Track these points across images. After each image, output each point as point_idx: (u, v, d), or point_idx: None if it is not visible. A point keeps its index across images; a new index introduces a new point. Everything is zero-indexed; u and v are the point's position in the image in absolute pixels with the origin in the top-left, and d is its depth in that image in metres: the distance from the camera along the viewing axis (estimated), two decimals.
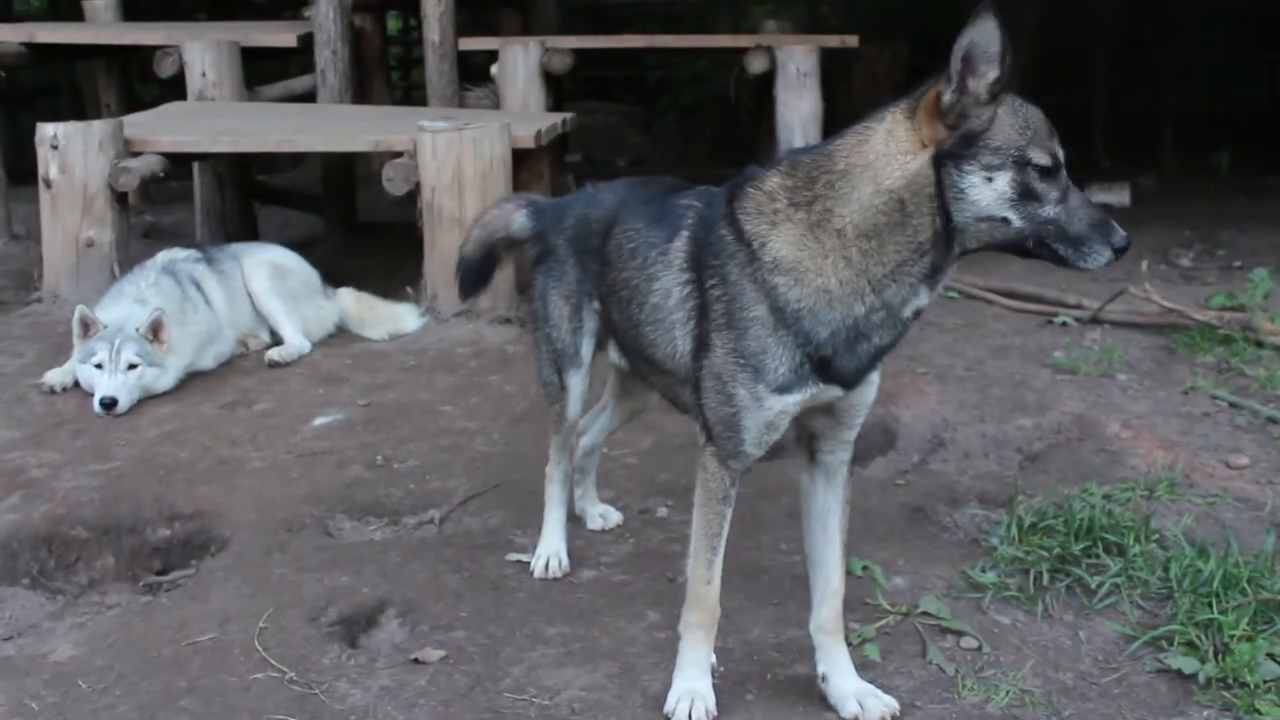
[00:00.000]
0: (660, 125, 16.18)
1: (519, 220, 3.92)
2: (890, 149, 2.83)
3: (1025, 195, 2.77)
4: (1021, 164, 2.75)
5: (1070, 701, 3.21)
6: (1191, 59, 13.88)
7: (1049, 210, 2.78)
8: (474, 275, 4.07)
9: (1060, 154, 2.81)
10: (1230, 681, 3.22)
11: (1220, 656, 3.29)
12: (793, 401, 2.97)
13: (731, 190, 3.06)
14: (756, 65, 8.74)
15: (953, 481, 4.60)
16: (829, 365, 2.94)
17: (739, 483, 3.12)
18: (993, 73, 2.71)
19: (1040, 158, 2.76)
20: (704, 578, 3.16)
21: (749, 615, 3.62)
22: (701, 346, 3.06)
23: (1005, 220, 2.79)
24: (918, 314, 2.95)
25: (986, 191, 2.76)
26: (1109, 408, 5.24)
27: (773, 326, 2.93)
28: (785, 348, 2.93)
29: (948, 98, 2.74)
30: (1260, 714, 3.07)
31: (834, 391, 2.99)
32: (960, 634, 3.51)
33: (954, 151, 2.76)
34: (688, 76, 15.96)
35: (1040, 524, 4.00)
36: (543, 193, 6.71)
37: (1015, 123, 2.77)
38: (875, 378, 3.06)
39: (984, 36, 2.68)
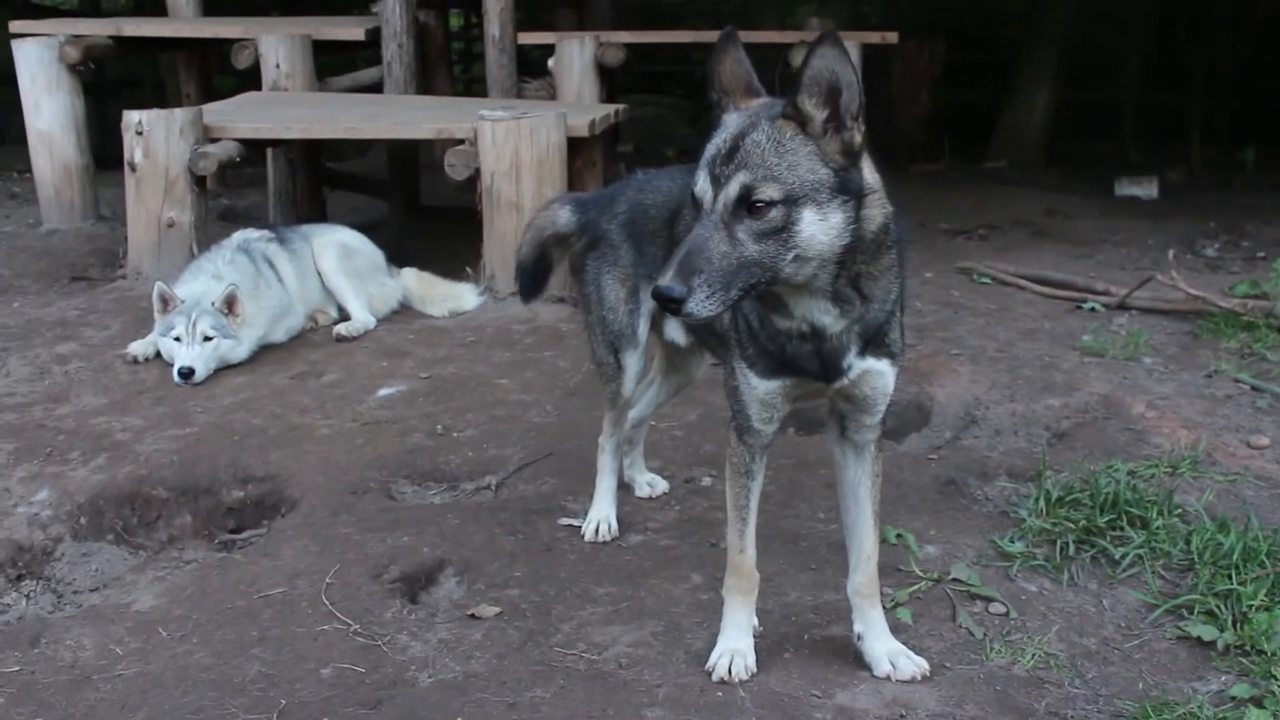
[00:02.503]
0: (708, 118, 16.14)
1: (564, 216, 3.91)
2: None
3: None
4: None
5: (1093, 665, 3.19)
6: (1220, 59, 13.72)
7: None
8: (531, 278, 4.05)
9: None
10: (1248, 649, 3.19)
11: (1239, 625, 3.26)
12: (775, 386, 2.94)
13: None
14: (800, 60, 8.68)
15: (983, 457, 4.57)
16: (789, 359, 2.88)
17: (761, 458, 3.10)
18: None
19: None
20: (737, 546, 3.16)
21: (788, 580, 3.62)
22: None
23: None
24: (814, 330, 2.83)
25: None
26: (1134, 389, 5.19)
27: (743, 313, 2.94)
28: (753, 334, 2.93)
29: None
30: (1276, 679, 3.04)
31: (815, 384, 2.92)
32: (989, 600, 3.50)
33: None
34: None
35: (1067, 497, 3.97)
36: (595, 180, 6.72)
37: None
38: (885, 369, 2.94)
39: None
